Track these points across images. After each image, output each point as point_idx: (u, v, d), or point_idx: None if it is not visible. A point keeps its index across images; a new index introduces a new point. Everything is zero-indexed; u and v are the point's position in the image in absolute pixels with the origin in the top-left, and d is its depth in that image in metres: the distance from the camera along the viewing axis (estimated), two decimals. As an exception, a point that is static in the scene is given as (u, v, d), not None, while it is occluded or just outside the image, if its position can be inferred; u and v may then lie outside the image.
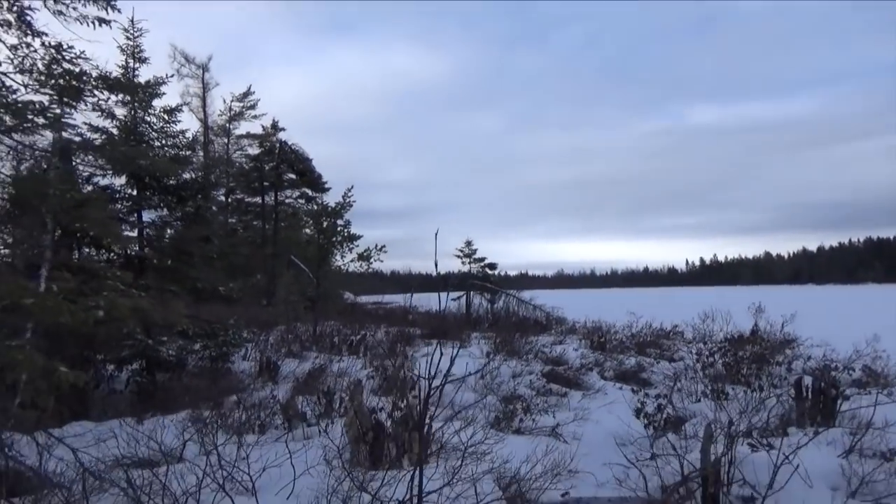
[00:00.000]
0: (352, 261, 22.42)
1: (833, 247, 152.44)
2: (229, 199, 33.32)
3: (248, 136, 34.99)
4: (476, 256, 25.60)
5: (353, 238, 20.96)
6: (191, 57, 35.31)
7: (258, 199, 32.82)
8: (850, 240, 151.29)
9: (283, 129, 32.99)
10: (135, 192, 10.49)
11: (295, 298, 18.74)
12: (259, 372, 11.75)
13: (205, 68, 35.74)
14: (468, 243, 25.63)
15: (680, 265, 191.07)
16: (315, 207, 29.85)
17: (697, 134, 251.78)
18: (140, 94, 10.06)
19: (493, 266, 25.58)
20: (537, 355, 12.68)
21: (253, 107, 36.05)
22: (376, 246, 19.89)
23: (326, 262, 17.41)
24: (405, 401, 6.23)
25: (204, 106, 36.30)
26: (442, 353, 3.67)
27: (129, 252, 10.22)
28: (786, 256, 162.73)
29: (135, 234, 10.71)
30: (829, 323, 21.99)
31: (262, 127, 33.47)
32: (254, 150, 33.91)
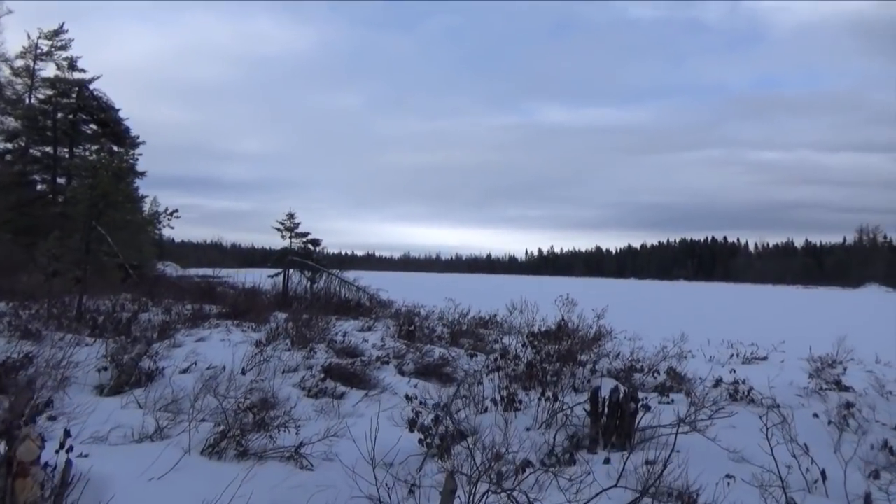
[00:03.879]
0: (132, 221, 19.34)
1: (654, 245, 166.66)
2: (12, 146, 28.21)
3: (44, 80, 29.55)
4: (298, 231, 23.38)
5: (133, 198, 17.91)
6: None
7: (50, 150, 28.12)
8: (668, 240, 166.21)
9: (83, 71, 28.46)
10: None
11: (60, 265, 15.50)
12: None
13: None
14: (290, 216, 23.33)
15: (520, 255, 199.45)
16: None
17: (547, 132, 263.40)
18: None
19: (315, 242, 23.52)
20: (328, 343, 10.93)
21: (64, 47, 30.17)
22: (166, 210, 17.05)
23: (101, 222, 14.34)
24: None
25: (-18, 34, 30.27)
26: None
27: None
28: (614, 251, 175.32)
29: None
30: (642, 317, 22.57)
31: (59, 66, 28.58)
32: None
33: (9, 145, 27.98)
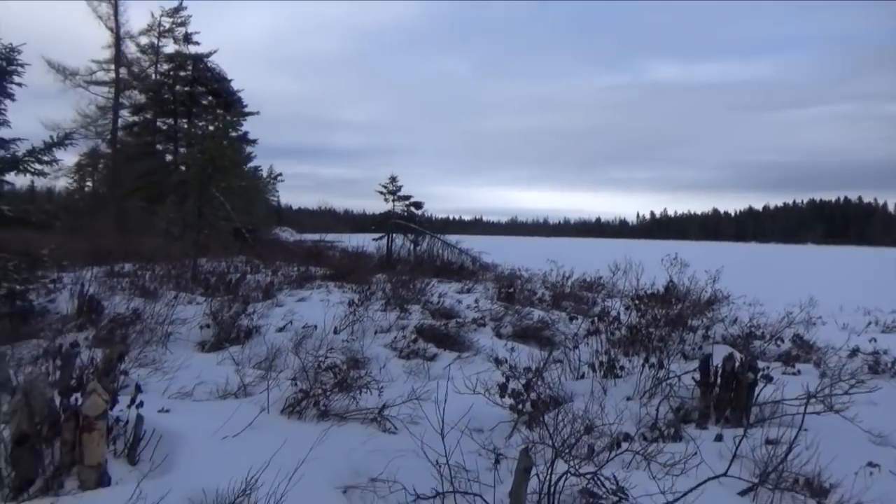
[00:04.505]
0: (244, 186, 20.05)
1: (777, 207, 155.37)
2: (138, 118, 30.08)
3: (167, 56, 30.99)
4: (401, 194, 23.40)
5: (241, 163, 18.47)
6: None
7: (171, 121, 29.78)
8: (793, 201, 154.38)
9: (198, 44, 29.71)
10: None
11: (176, 229, 16.34)
12: (78, 313, 9.54)
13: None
14: (393, 179, 23.37)
15: (631, 218, 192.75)
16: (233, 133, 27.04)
17: (658, 90, 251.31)
18: None
19: (418, 204, 23.44)
20: (425, 305, 10.73)
21: (183, 23, 31.25)
22: (271, 173, 17.46)
23: (210, 187, 14.91)
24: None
25: (116, 14, 32.17)
26: None
27: None
28: (733, 214, 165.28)
29: None
30: (764, 282, 20.87)
31: (176, 40, 29.98)
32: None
33: (136, 118, 29.85)
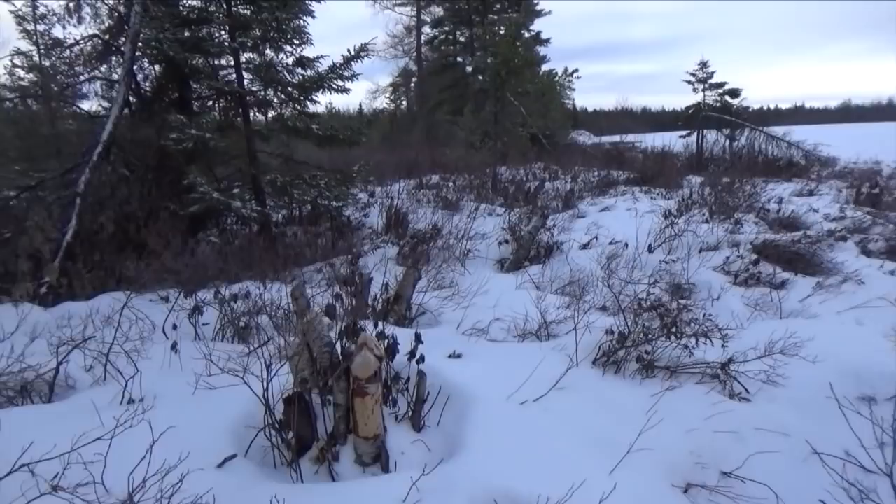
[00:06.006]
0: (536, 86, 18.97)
1: None
2: (437, 32, 30.92)
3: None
4: (713, 82, 20.21)
5: (533, 62, 17.26)
6: None
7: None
8: None
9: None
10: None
11: (475, 138, 16.22)
12: (387, 228, 9.76)
13: None
14: (703, 65, 20.22)
15: None
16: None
17: None
18: None
19: (734, 92, 20.03)
20: (759, 213, 8.67)
21: None
22: (566, 70, 16.06)
23: (503, 91, 14.26)
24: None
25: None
26: None
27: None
28: None
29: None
30: None
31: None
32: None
33: (436, 31, 30.71)
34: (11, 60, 10.16)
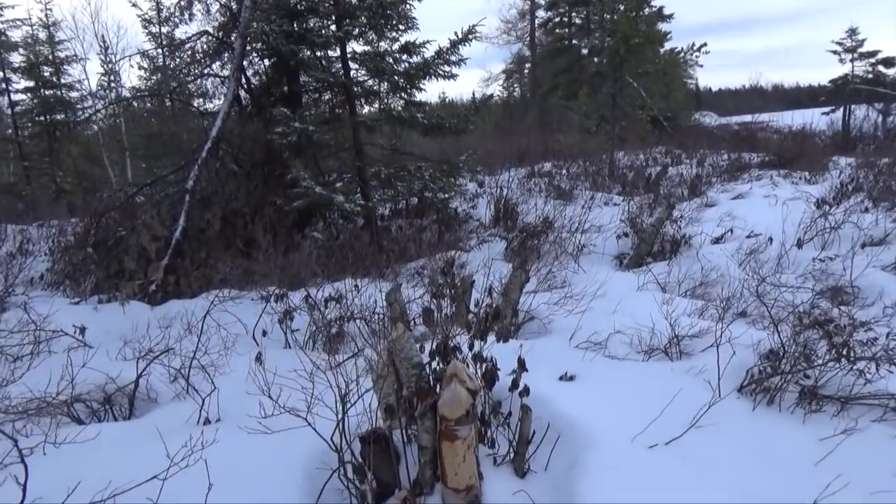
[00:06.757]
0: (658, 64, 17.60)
1: None
2: (552, 14, 29.86)
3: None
4: (863, 51, 18.00)
5: (654, 39, 15.93)
6: None
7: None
8: None
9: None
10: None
11: (591, 122, 15.35)
12: (495, 220, 9.28)
13: None
14: (852, 32, 18.05)
15: None
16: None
17: None
18: None
19: (889, 61, 17.73)
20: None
21: None
22: (692, 46, 14.75)
23: (622, 72, 13.31)
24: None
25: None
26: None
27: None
28: None
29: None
30: None
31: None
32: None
33: (550, 14, 29.63)
34: (137, 63, 10.65)
